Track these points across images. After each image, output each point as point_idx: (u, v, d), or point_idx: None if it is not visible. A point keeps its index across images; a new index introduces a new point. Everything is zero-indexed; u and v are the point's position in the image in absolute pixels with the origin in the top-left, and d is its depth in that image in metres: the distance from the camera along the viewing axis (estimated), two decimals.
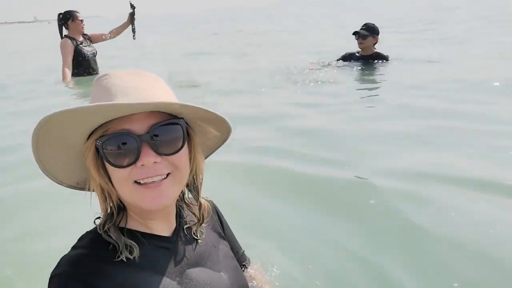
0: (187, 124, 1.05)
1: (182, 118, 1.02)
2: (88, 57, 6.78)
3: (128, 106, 0.92)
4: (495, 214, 2.23)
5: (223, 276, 1.16)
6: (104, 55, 7.63)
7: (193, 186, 1.15)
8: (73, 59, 6.61)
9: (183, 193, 1.17)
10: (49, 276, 0.99)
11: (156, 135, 0.97)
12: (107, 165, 0.99)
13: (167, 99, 1.01)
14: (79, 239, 1.07)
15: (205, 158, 1.18)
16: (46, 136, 0.95)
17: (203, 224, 1.19)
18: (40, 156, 0.99)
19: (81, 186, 1.10)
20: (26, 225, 2.39)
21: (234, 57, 9.43)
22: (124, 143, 0.96)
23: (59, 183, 1.09)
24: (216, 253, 1.20)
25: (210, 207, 1.24)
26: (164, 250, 1.09)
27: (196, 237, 1.17)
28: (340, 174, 2.78)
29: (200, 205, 1.17)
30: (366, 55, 6.46)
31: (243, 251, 1.41)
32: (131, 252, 1.02)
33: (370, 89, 5.43)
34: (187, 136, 1.04)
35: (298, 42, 11.54)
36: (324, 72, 6.35)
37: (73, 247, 1.05)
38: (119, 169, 0.98)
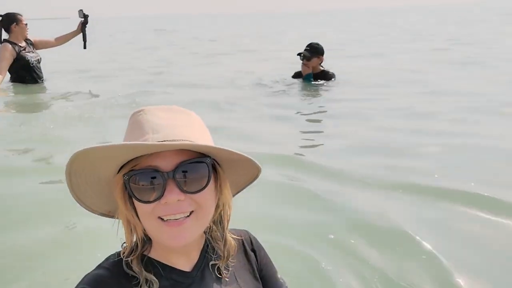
0: (216, 162, 1.06)
1: (209, 156, 1.04)
2: (32, 63, 6.54)
3: (152, 146, 0.96)
4: None
5: None
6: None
7: (220, 222, 1.15)
8: (16, 66, 6.36)
9: (211, 229, 1.16)
10: None
11: (183, 172, 0.99)
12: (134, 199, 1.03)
13: (196, 138, 1.02)
14: (106, 259, 1.10)
15: (234, 195, 1.18)
16: (78, 169, 1.01)
17: (230, 262, 1.17)
18: (73, 186, 1.05)
19: (113, 214, 1.13)
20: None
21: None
22: (150, 179, 0.99)
23: (91, 211, 1.13)
24: None
25: (236, 245, 1.20)
26: (182, 286, 1.09)
27: (219, 275, 1.15)
28: None
29: (225, 242, 1.16)
30: (314, 74, 6.58)
31: None
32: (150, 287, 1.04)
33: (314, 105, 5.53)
34: (215, 173, 1.06)
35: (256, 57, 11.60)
36: (271, 89, 6.46)
37: (98, 266, 1.08)
38: (144, 204, 1.00)
